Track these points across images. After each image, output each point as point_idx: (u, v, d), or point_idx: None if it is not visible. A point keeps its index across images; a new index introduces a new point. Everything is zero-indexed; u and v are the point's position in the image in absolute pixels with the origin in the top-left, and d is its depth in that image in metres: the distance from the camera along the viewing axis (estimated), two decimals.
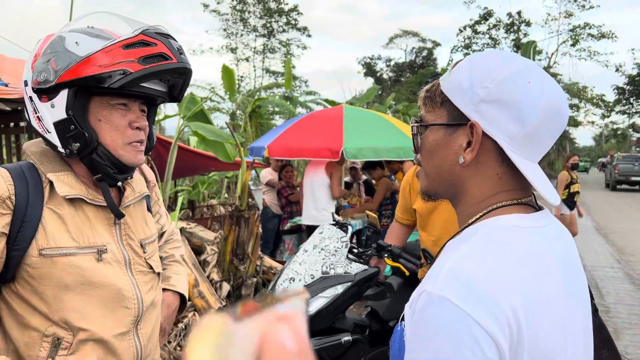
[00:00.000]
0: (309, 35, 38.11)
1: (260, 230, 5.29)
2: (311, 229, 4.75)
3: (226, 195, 11.94)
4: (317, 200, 5.45)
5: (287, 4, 36.61)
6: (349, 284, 2.66)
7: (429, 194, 0.93)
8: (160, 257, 1.50)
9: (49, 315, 1.10)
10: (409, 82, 36.40)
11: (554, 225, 0.85)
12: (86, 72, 1.05)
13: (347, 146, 5.22)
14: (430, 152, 0.88)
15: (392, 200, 5.89)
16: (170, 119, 5.79)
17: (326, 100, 16.32)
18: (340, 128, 5.61)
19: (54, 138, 1.12)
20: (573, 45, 33.12)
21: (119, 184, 1.25)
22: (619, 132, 53.16)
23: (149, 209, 1.38)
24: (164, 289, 1.43)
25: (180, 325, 3.51)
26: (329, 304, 2.60)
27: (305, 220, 5.54)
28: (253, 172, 7.81)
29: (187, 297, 1.52)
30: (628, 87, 33.16)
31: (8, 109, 2.35)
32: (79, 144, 1.11)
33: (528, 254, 0.76)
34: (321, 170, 5.57)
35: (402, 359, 0.81)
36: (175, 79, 1.20)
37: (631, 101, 34.39)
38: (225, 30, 36.57)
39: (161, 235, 1.53)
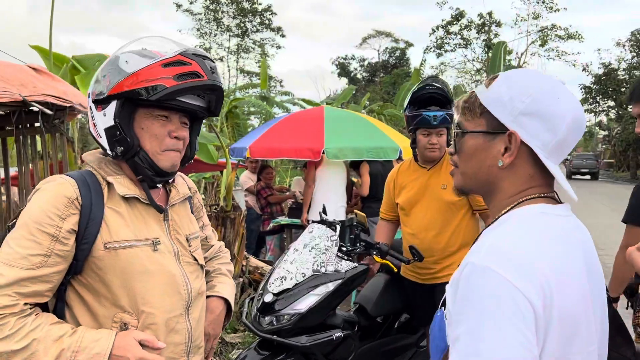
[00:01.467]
0: (282, 35, 38.09)
1: (245, 231, 5.29)
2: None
3: (203, 196, 11.88)
4: (342, 196, 5.46)
5: (260, 4, 36.50)
6: (340, 281, 2.73)
7: (463, 191, 1.08)
8: (208, 272, 1.63)
9: (116, 302, 1.24)
10: (383, 82, 36.69)
11: (574, 218, 1.00)
12: (131, 86, 1.23)
13: (328, 146, 5.27)
14: (470, 155, 1.02)
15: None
16: None
17: (303, 100, 16.36)
18: (322, 128, 5.67)
19: (104, 142, 1.30)
20: (542, 45, 33.91)
21: (160, 185, 1.41)
22: (585, 130, 54.49)
23: (192, 211, 1.54)
24: (208, 296, 1.54)
25: None
26: (321, 301, 2.65)
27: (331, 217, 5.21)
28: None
29: (232, 305, 1.61)
30: (594, 86, 34.04)
31: (1, 112, 2.34)
32: (122, 148, 1.27)
33: (555, 234, 0.92)
34: (342, 167, 5.62)
35: (442, 338, 0.93)
36: (209, 95, 1.35)
37: (597, 100, 35.30)
38: (198, 30, 36.28)
39: (207, 248, 1.67)
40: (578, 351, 0.87)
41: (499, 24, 34.22)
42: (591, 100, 35.33)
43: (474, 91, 1.04)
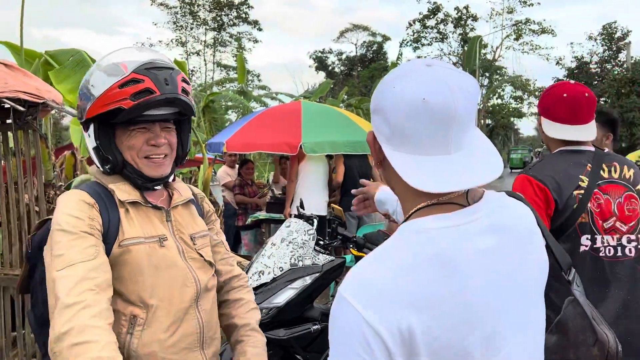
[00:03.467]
0: (260, 29, 37.85)
1: (223, 226, 5.28)
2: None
3: None
4: (324, 190, 5.55)
5: None
6: (317, 274, 2.76)
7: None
8: (227, 301, 1.64)
9: (127, 297, 1.32)
10: (361, 76, 36.77)
11: (487, 219, 0.87)
12: (97, 111, 1.31)
13: (305, 140, 5.29)
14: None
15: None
16: None
17: (282, 93, 16.31)
18: (299, 123, 5.68)
19: (95, 159, 1.40)
20: (516, 39, 34.39)
21: (162, 187, 1.48)
22: None
23: (201, 215, 1.60)
24: None
25: None
26: (299, 295, 2.69)
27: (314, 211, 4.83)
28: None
29: None
30: (568, 79, 34.72)
31: None
32: (109, 165, 1.38)
33: (432, 255, 0.80)
34: (324, 162, 5.72)
35: None
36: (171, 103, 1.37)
37: None
38: (174, 23, 35.81)
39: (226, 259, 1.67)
40: None
41: (475, 18, 34.57)
42: None
43: None
